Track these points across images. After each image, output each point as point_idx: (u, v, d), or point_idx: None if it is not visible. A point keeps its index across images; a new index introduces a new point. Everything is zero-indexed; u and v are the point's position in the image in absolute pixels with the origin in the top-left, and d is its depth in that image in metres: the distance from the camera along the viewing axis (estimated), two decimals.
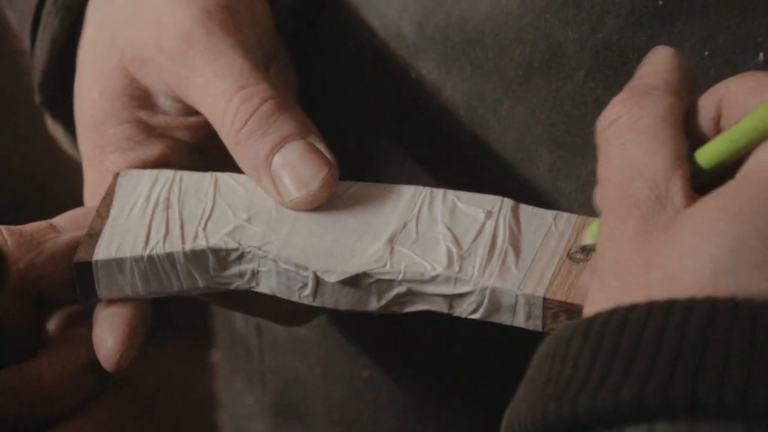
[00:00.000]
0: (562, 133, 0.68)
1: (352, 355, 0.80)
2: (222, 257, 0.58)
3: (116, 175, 0.62)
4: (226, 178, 0.62)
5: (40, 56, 0.70)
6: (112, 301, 0.59)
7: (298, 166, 0.60)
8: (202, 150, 0.66)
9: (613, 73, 0.66)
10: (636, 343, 0.42)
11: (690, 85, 0.52)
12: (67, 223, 0.61)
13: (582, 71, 0.67)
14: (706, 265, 0.43)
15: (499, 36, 0.68)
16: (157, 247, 0.58)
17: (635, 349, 0.42)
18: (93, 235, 0.59)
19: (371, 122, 0.73)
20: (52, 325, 0.61)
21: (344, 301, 0.57)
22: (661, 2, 0.65)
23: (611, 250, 0.47)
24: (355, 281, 0.57)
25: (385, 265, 0.57)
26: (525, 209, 0.59)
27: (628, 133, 0.49)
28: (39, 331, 0.61)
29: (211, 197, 0.61)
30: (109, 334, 0.58)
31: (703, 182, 0.48)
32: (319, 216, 0.60)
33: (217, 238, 0.58)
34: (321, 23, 0.74)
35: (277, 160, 0.60)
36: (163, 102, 0.65)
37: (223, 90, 0.61)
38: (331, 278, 0.57)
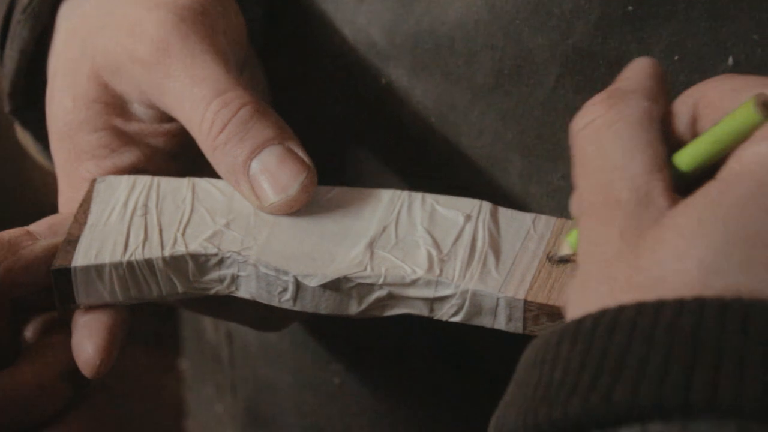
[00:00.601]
0: (533, 139, 0.69)
1: (323, 361, 0.80)
2: (201, 263, 0.58)
3: (93, 181, 0.62)
4: (203, 183, 0.62)
5: (9, 65, 0.69)
6: (90, 308, 0.59)
7: (276, 171, 0.60)
8: (177, 156, 0.66)
9: (584, 78, 0.67)
10: (627, 344, 0.42)
11: (666, 92, 0.52)
12: (45, 230, 0.61)
13: (552, 77, 0.67)
14: (694, 266, 0.43)
15: (469, 43, 0.68)
16: (136, 253, 0.58)
17: (626, 350, 0.42)
18: (71, 242, 0.59)
19: (342, 129, 0.74)
20: (29, 332, 0.61)
21: (325, 305, 0.57)
22: (630, 8, 0.65)
23: (594, 253, 0.47)
24: (335, 285, 0.57)
25: (365, 269, 0.57)
26: (504, 212, 0.60)
27: (606, 135, 0.48)
28: (16, 338, 0.61)
29: (189, 203, 0.61)
30: (88, 342, 0.58)
31: (683, 186, 0.48)
32: (299, 220, 0.60)
33: (196, 243, 0.58)
34: (291, 30, 0.74)
35: (255, 165, 0.60)
36: (138, 109, 0.65)
37: (200, 96, 0.61)
38: (312, 282, 0.57)
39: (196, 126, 0.61)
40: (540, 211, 0.70)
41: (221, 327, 0.85)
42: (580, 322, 0.44)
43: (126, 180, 0.62)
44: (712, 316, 0.42)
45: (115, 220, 0.60)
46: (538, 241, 0.58)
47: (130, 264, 0.58)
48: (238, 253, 0.58)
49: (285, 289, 0.58)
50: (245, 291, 0.59)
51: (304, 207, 0.60)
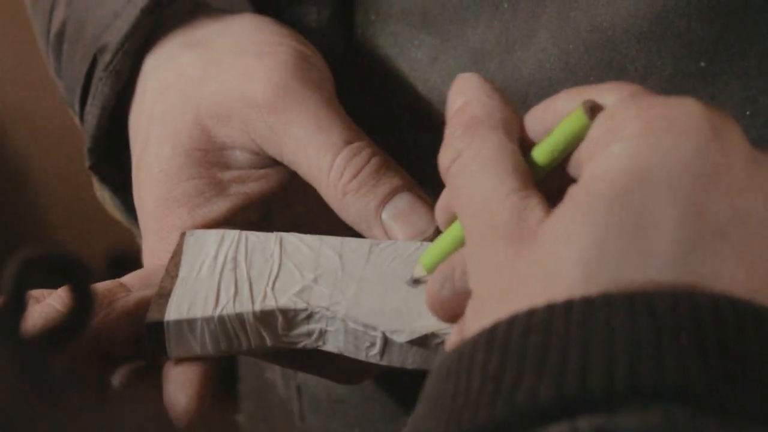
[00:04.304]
0: None
1: (392, 414, 0.80)
2: (291, 317, 0.59)
3: (183, 235, 0.63)
4: (291, 238, 0.63)
5: (90, 121, 0.71)
6: (181, 359, 0.59)
7: (409, 215, 0.62)
8: (262, 203, 0.67)
9: None
10: (544, 343, 0.43)
11: (507, 101, 0.53)
12: (137, 282, 0.61)
13: None
14: (575, 268, 0.44)
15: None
16: (227, 307, 0.59)
17: (545, 350, 0.43)
18: (163, 295, 0.59)
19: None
20: (116, 380, 0.62)
21: (411, 361, 0.58)
22: (703, 64, 0.66)
23: (482, 274, 0.48)
24: (423, 341, 0.57)
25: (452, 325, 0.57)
26: None
27: (474, 165, 0.49)
28: (102, 387, 0.61)
29: (277, 257, 0.62)
30: (181, 393, 0.58)
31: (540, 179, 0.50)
32: (385, 275, 0.61)
33: (285, 298, 0.59)
34: (364, 87, 0.75)
35: (387, 211, 0.62)
36: (239, 155, 0.66)
37: (329, 143, 0.63)
38: (400, 338, 0.57)
39: (322, 172, 0.64)
40: None
41: (291, 380, 0.85)
42: (492, 330, 0.44)
43: (215, 234, 0.63)
44: (621, 308, 0.43)
45: (205, 274, 0.61)
46: None
47: (221, 318, 0.58)
48: (327, 309, 0.59)
49: (373, 344, 0.58)
50: (333, 345, 0.59)
51: (390, 261, 0.61)
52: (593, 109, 0.48)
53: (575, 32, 0.67)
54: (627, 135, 0.46)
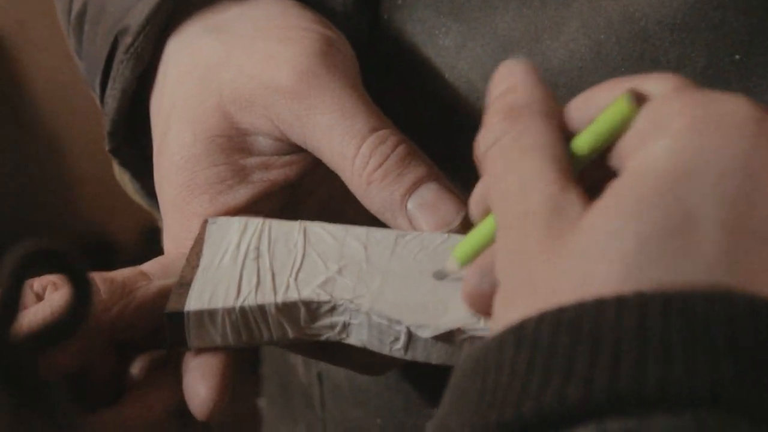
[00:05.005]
0: None
1: (414, 405, 0.80)
2: (314, 309, 0.58)
3: (205, 223, 0.62)
4: (315, 227, 0.62)
5: (110, 104, 0.70)
6: (201, 350, 0.59)
7: (435, 206, 0.61)
8: (284, 189, 0.66)
9: None
10: (573, 343, 0.42)
11: (552, 94, 0.52)
12: (158, 270, 0.61)
13: None
14: (614, 265, 0.43)
15: (573, 89, 0.68)
16: (249, 298, 0.58)
17: (574, 350, 0.42)
18: (184, 285, 0.59)
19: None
20: (135, 369, 0.61)
21: (436, 356, 0.57)
22: (737, 56, 0.65)
23: (513, 265, 0.47)
24: (448, 337, 0.56)
25: (479, 321, 0.57)
26: None
27: (513, 151, 0.48)
28: (122, 376, 0.61)
29: (301, 247, 0.61)
30: (201, 384, 0.58)
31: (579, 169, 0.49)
32: (411, 268, 0.60)
33: (308, 290, 0.58)
34: (390, 74, 0.74)
35: (413, 200, 0.61)
36: (262, 142, 0.65)
37: (354, 130, 0.62)
38: (425, 333, 0.57)
39: (347, 160, 0.63)
40: None
41: (313, 368, 0.84)
42: (520, 327, 0.43)
43: (237, 222, 0.62)
44: (655, 309, 0.42)
45: (227, 264, 0.60)
46: None
47: (242, 309, 0.58)
48: (351, 301, 0.58)
49: (397, 339, 0.57)
50: (356, 338, 0.58)
51: (417, 253, 0.60)
52: (638, 100, 0.47)
53: (607, 22, 0.66)
54: (673, 131, 0.45)
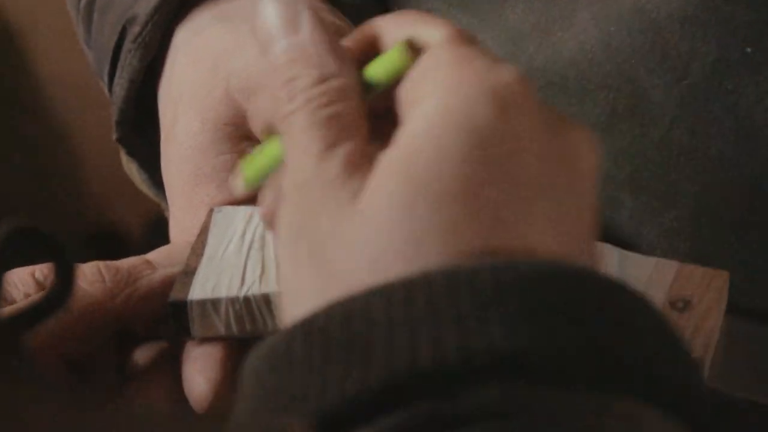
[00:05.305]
0: (645, 180, 0.68)
1: None
2: None
3: (210, 211, 0.62)
4: None
5: (118, 93, 0.70)
6: (203, 340, 0.58)
7: None
8: None
9: (699, 120, 0.66)
10: (368, 329, 0.41)
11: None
12: (163, 259, 0.60)
13: (667, 118, 0.67)
14: (394, 245, 0.43)
15: (583, 81, 0.68)
16: (253, 287, 0.57)
17: (369, 335, 0.41)
18: (188, 273, 0.58)
19: None
20: (138, 359, 0.61)
21: None
22: (749, 50, 0.65)
23: (301, 232, 0.46)
24: None
25: None
26: (625, 255, 0.59)
27: (288, 123, 0.48)
28: (123, 366, 0.61)
29: None
30: (201, 376, 0.57)
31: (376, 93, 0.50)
32: None
33: None
34: None
35: None
36: None
37: None
38: None
39: None
40: (651, 252, 0.69)
41: None
42: (309, 321, 0.43)
43: (243, 211, 0.62)
44: (443, 285, 0.41)
45: (232, 253, 0.59)
46: (659, 287, 0.57)
47: (246, 299, 0.57)
48: None
49: None
50: None
51: None
52: (414, 48, 0.49)
53: (617, 14, 0.66)
54: (438, 89, 0.45)
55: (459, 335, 0.40)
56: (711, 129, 0.66)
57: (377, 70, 0.50)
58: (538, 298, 0.41)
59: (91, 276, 0.58)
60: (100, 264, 0.58)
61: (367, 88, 0.50)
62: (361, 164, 0.46)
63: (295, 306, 0.45)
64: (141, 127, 0.72)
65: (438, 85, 0.46)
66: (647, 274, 0.58)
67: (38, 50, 2.18)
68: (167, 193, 0.67)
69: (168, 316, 0.58)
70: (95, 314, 0.58)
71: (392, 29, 0.50)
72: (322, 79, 0.49)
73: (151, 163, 0.73)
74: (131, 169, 0.76)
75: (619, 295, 0.43)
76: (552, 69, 0.68)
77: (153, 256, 0.61)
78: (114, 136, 0.72)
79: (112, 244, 2.24)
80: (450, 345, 0.40)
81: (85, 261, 0.60)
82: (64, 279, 0.45)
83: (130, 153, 0.74)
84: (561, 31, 0.68)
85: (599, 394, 0.41)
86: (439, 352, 0.40)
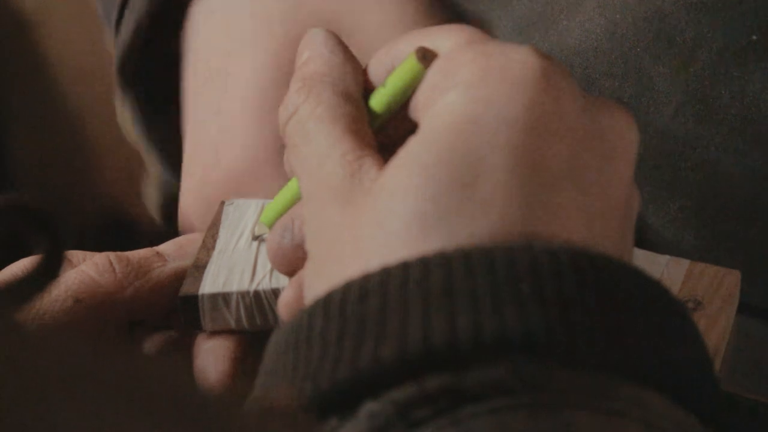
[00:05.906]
0: (651, 169, 0.68)
1: None
2: None
3: (222, 204, 0.62)
4: None
5: (123, 38, 0.69)
6: (214, 333, 0.59)
7: None
8: None
9: (704, 107, 0.66)
10: (383, 306, 0.42)
11: (351, 55, 0.52)
12: (174, 251, 0.61)
13: (672, 106, 0.67)
14: (412, 222, 0.44)
15: (588, 70, 0.68)
16: (264, 282, 0.58)
17: (383, 312, 0.42)
18: (199, 267, 0.59)
19: None
20: (147, 350, 0.61)
21: None
22: (755, 37, 0.65)
23: (318, 236, 0.47)
24: None
25: None
26: (638, 253, 0.59)
27: (309, 124, 0.49)
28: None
29: None
30: (212, 368, 0.58)
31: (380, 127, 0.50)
32: None
33: None
34: None
35: None
36: None
37: None
38: None
39: None
40: (657, 241, 0.69)
41: None
42: (327, 297, 0.43)
43: (255, 204, 0.62)
44: (459, 265, 0.42)
45: (243, 247, 0.60)
46: (670, 286, 0.57)
47: (257, 293, 0.57)
48: None
49: None
50: None
51: None
52: (427, 56, 0.48)
53: (623, 2, 0.66)
54: (462, 83, 0.46)
55: (472, 314, 0.41)
56: (717, 116, 0.66)
57: (391, 81, 0.49)
58: (551, 280, 0.42)
59: (102, 266, 0.58)
60: (111, 255, 0.59)
61: (382, 103, 0.49)
62: (372, 162, 0.47)
63: (322, 280, 0.46)
64: (143, 75, 0.71)
65: (460, 81, 0.46)
66: (658, 272, 0.58)
67: (52, 41, 2.18)
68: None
69: (178, 310, 0.58)
70: (105, 304, 0.58)
71: (402, 46, 0.50)
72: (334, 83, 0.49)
73: (145, 113, 0.72)
74: (126, 119, 0.74)
75: (633, 281, 0.43)
76: (557, 57, 0.68)
77: (164, 247, 0.61)
78: (115, 82, 0.71)
79: (122, 236, 2.24)
80: (463, 323, 0.41)
81: (97, 251, 0.60)
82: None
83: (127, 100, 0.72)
84: (566, 19, 0.68)
85: (607, 376, 0.41)
86: (451, 330, 0.41)
